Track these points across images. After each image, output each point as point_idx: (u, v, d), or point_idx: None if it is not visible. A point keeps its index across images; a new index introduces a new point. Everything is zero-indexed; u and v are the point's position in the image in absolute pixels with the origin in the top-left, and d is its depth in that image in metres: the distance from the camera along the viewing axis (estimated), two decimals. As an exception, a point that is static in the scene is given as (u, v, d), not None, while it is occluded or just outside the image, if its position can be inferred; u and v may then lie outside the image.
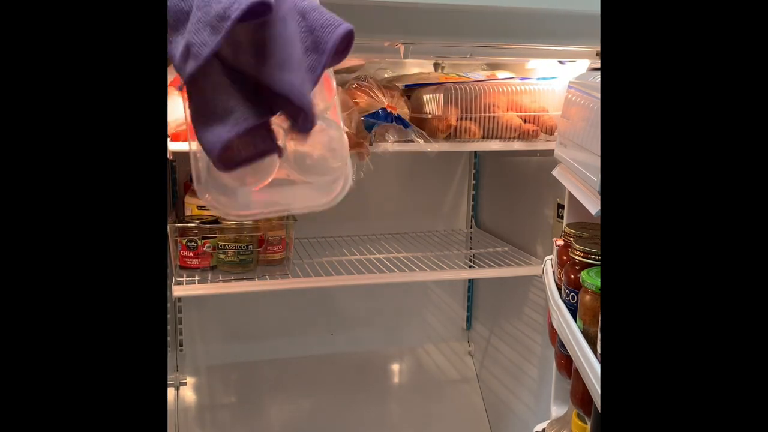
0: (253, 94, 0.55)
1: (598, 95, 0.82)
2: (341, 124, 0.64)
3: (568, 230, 0.99)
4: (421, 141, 1.23)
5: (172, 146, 1.06)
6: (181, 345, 1.64)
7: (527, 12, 1.01)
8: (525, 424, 1.57)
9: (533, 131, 1.29)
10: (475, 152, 1.77)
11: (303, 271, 1.36)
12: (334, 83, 0.66)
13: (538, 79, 1.35)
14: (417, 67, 1.54)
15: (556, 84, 1.32)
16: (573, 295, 0.89)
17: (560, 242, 1.00)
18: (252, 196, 0.61)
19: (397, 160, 1.73)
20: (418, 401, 1.80)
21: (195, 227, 1.28)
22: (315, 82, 0.57)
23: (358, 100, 1.27)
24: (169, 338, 1.62)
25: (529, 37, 1.06)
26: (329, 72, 0.63)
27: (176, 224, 1.27)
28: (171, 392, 1.62)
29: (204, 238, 1.28)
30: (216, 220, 1.30)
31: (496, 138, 1.31)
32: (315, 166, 0.63)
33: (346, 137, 0.63)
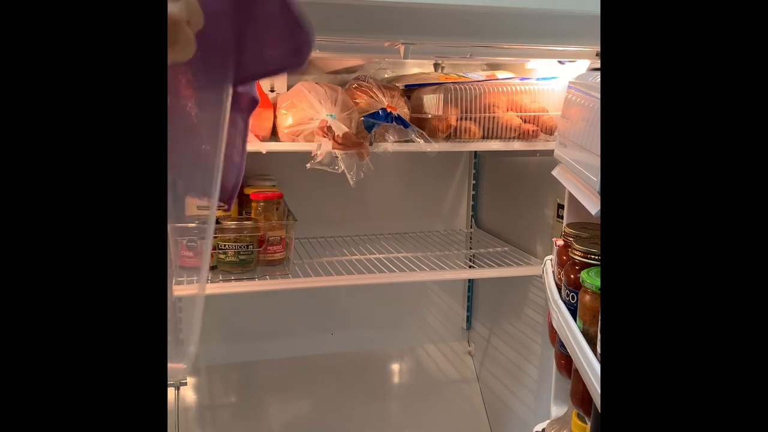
0: None
1: (598, 95, 0.82)
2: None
3: (568, 230, 0.99)
4: (421, 141, 1.23)
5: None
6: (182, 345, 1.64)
7: (527, 12, 1.01)
8: (525, 424, 1.57)
9: (533, 131, 1.29)
10: (475, 152, 1.77)
11: (303, 271, 1.36)
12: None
13: (538, 79, 1.35)
14: (417, 67, 1.55)
15: (556, 84, 1.32)
16: (573, 295, 0.89)
17: (560, 242, 1.00)
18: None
19: (397, 160, 1.73)
20: (418, 401, 1.80)
21: (195, 227, 1.28)
22: None
23: (358, 100, 1.27)
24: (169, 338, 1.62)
25: (529, 37, 1.06)
26: None
27: (176, 224, 1.27)
28: (171, 392, 1.61)
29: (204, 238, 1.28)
30: (216, 220, 1.30)
31: (496, 138, 1.31)
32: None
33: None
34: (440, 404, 1.80)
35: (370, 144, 1.21)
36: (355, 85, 1.31)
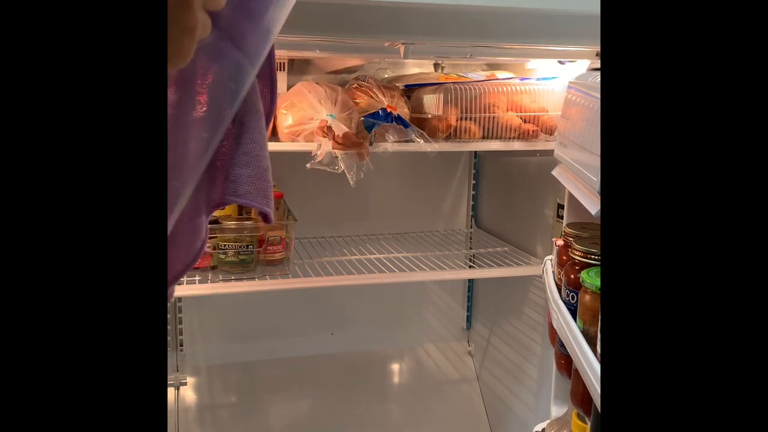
0: None
1: (598, 95, 0.82)
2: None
3: (568, 230, 0.99)
4: (421, 141, 1.23)
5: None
6: (181, 345, 1.64)
7: (527, 12, 1.01)
8: (525, 424, 1.57)
9: (533, 131, 1.29)
10: (475, 152, 1.77)
11: (303, 271, 1.36)
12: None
13: (538, 79, 1.35)
14: (417, 67, 1.55)
15: (556, 84, 1.32)
16: (573, 295, 0.89)
17: (560, 242, 1.00)
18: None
19: (397, 160, 1.73)
20: (418, 401, 1.80)
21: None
22: None
23: (358, 100, 1.27)
24: (169, 338, 1.62)
25: (529, 37, 1.06)
26: None
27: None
28: (171, 392, 1.62)
29: (204, 238, 1.28)
30: (216, 220, 1.30)
31: (496, 138, 1.31)
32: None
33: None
34: (440, 404, 1.80)
35: (370, 144, 1.21)
36: (355, 85, 1.31)
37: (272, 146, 1.24)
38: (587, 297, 0.82)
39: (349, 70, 1.48)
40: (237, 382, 1.72)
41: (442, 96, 1.28)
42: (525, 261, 1.48)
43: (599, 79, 0.87)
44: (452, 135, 1.29)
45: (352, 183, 1.19)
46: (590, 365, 0.74)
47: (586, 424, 0.90)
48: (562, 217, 1.19)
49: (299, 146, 1.20)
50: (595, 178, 0.79)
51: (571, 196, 1.02)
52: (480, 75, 1.43)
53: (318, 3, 0.93)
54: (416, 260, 1.45)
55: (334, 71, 1.50)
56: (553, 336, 1.00)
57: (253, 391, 1.71)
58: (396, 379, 1.86)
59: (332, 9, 0.94)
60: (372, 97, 1.27)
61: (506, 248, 1.58)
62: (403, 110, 1.27)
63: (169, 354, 1.62)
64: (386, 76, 1.51)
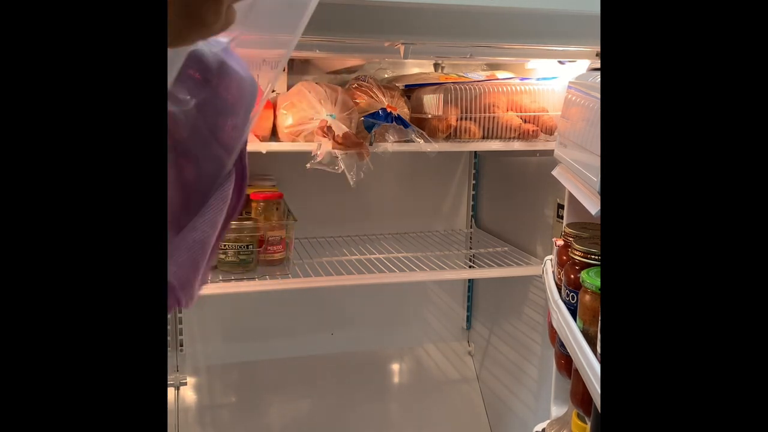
0: None
1: (598, 95, 0.82)
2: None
3: (568, 230, 0.99)
4: (421, 141, 1.23)
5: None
6: (181, 345, 1.64)
7: (527, 12, 1.01)
8: (525, 424, 1.57)
9: (533, 131, 1.29)
10: (475, 152, 1.77)
11: (303, 271, 1.36)
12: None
13: (538, 79, 1.35)
14: (417, 67, 1.55)
15: (556, 84, 1.32)
16: (573, 295, 0.89)
17: (560, 242, 1.00)
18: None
19: (397, 160, 1.73)
20: (418, 401, 1.80)
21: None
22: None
23: (358, 100, 1.27)
24: (169, 338, 1.62)
25: (529, 37, 1.06)
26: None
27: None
28: (171, 392, 1.62)
29: (204, 238, 1.28)
30: (216, 220, 1.30)
31: (496, 138, 1.31)
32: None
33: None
34: (440, 404, 1.80)
35: (370, 144, 1.21)
36: (355, 85, 1.31)
37: (272, 146, 1.25)
38: (587, 297, 0.82)
39: (349, 70, 1.48)
40: (237, 382, 1.72)
41: (442, 96, 1.28)
42: (525, 261, 1.48)
43: (599, 79, 0.87)
44: (452, 135, 1.29)
45: (352, 183, 1.19)
46: (590, 365, 0.74)
47: (586, 424, 0.90)
48: (562, 217, 1.19)
49: (299, 146, 1.20)
50: (595, 178, 0.79)
51: (571, 196, 1.02)
52: (480, 75, 1.43)
53: (318, 3, 0.93)
54: (416, 260, 1.45)
55: (334, 71, 1.50)
56: (553, 336, 1.00)
57: (253, 391, 1.71)
58: (396, 379, 1.86)
59: (332, 9, 0.94)
60: (372, 97, 1.27)
61: (506, 248, 1.58)
62: (403, 110, 1.27)
63: (169, 354, 1.62)
64: (386, 76, 1.51)
